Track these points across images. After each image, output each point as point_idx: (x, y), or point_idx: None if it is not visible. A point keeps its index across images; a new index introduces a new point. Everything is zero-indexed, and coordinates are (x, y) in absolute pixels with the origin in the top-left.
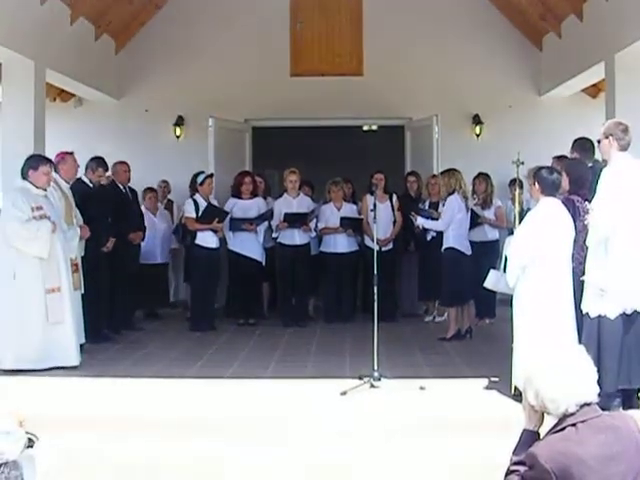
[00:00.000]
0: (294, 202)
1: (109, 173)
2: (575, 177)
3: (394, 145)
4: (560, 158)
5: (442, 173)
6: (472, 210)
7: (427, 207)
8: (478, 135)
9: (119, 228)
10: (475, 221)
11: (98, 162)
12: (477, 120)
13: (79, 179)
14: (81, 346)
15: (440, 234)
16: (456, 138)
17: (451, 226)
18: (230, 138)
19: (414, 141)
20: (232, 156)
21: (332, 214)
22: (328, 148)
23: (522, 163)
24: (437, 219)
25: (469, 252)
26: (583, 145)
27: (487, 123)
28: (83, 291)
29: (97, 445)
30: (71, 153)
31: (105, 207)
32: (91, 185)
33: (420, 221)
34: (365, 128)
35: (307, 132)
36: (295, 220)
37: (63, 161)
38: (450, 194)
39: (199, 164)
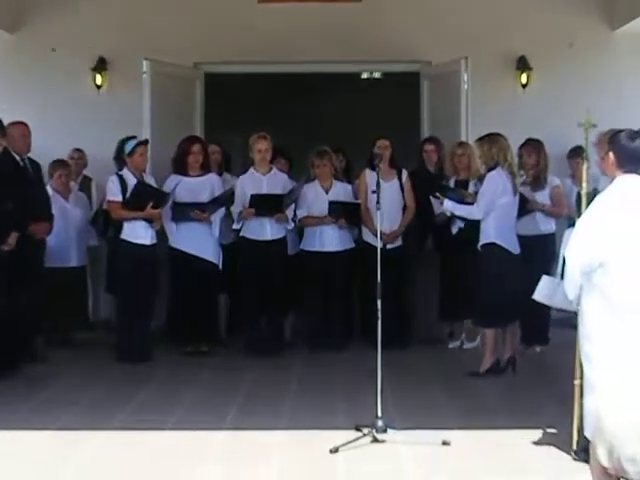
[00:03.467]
0: (264, 180)
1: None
2: None
3: (405, 100)
4: None
5: (481, 140)
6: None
7: (453, 186)
8: (524, 86)
9: (16, 217)
10: (522, 207)
11: None
12: (523, 65)
13: None
14: None
15: (471, 225)
16: (493, 90)
17: (492, 214)
18: (173, 90)
19: (434, 95)
20: (176, 115)
21: (317, 197)
22: (312, 105)
23: (594, 126)
24: (472, 203)
25: (517, 251)
26: None
27: (537, 69)
28: None
29: None
30: None
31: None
32: None
33: (448, 205)
34: (364, 76)
35: (282, 82)
36: (265, 205)
37: None
38: (491, 169)
39: (128, 126)
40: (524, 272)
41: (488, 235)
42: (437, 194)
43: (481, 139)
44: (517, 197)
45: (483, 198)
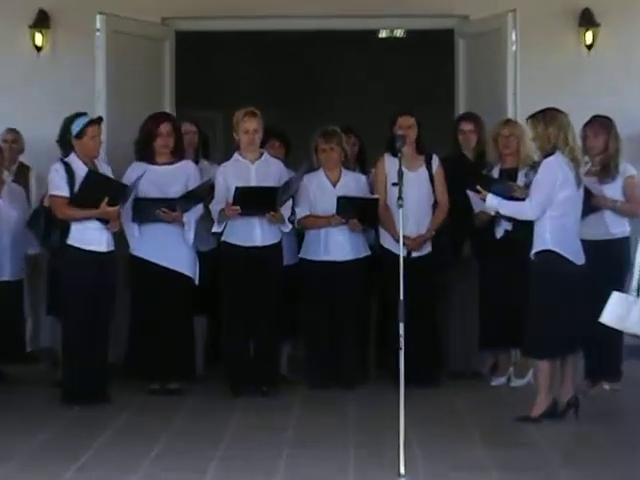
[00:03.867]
0: (252, 169)
1: None
2: None
3: (435, 66)
4: None
5: (534, 117)
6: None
7: (497, 176)
8: (589, 47)
9: None
10: (587, 204)
11: None
12: (588, 20)
13: None
14: None
15: (521, 227)
16: (549, 53)
17: (549, 212)
18: (135, 53)
19: (472, 59)
20: (139, 86)
21: (322, 191)
22: (314, 72)
23: None
24: (522, 199)
25: (580, 260)
26: None
27: (606, 25)
28: None
29: None
30: None
31: None
32: None
33: (492, 202)
34: (383, 35)
35: (275, 43)
36: (255, 202)
37: None
38: (547, 155)
39: (77, 99)
40: (589, 287)
41: (543, 240)
42: (477, 187)
43: (534, 116)
44: (581, 191)
45: (537, 192)
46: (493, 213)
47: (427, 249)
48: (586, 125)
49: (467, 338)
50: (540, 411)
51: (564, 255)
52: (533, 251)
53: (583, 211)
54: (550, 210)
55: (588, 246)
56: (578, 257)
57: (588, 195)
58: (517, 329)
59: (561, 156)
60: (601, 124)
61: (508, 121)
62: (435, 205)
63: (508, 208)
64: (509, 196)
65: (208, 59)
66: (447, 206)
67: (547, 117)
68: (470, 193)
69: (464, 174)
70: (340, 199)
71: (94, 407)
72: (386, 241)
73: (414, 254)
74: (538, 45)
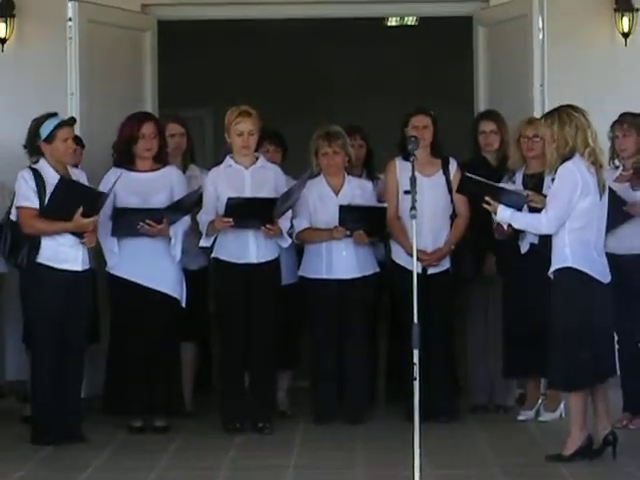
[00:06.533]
0: (247, 175)
1: None
2: None
3: (452, 57)
4: None
5: (549, 116)
6: (611, 190)
7: (520, 183)
8: (626, 35)
9: None
10: (616, 213)
11: None
12: (624, 4)
13: None
14: None
15: (548, 240)
16: (580, 42)
17: (568, 224)
18: (113, 45)
19: (494, 49)
20: (117, 82)
21: (323, 200)
22: (315, 66)
23: None
24: (540, 210)
25: (607, 278)
26: None
27: None
28: None
29: None
30: None
31: None
32: None
33: (504, 215)
34: (392, 23)
35: (271, 33)
36: (249, 213)
37: None
38: (566, 159)
39: (47, 98)
40: (620, 308)
41: (563, 256)
42: (486, 198)
43: (548, 115)
44: (605, 198)
45: (554, 203)
46: (506, 227)
47: (445, 265)
48: (615, 124)
49: (490, 366)
50: (573, 449)
51: (587, 272)
52: (552, 269)
53: (613, 221)
54: (569, 222)
55: (620, 261)
56: (603, 274)
57: (620, 203)
58: (542, 355)
59: (580, 160)
60: (631, 123)
61: (532, 120)
62: (454, 215)
63: (522, 222)
64: (525, 207)
65: (194, 51)
66: (467, 216)
67: (562, 116)
68: (484, 206)
69: (482, 181)
70: (343, 208)
71: (68, 447)
72: (398, 256)
73: (430, 270)
74: (568, 33)
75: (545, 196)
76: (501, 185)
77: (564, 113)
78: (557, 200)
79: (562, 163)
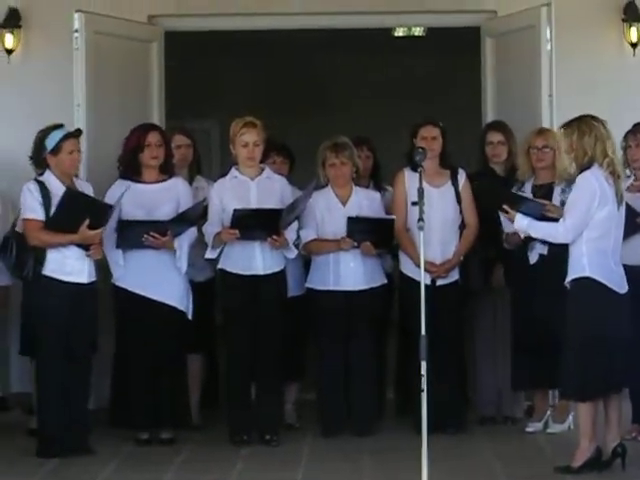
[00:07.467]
0: (252, 187)
1: None
2: None
3: (459, 68)
4: None
5: (568, 126)
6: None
7: (529, 194)
8: (635, 45)
9: None
10: (631, 224)
11: None
12: (632, 14)
13: None
14: None
15: (558, 251)
16: (588, 52)
17: (586, 234)
18: (119, 56)
19: (501, 60)
20: (123, 93)
21: (330, 211)
22: (321, 77)
23: None
24: (556, 219)
25: (623, 288)
26: None
27: None
28: None
29: None
30: None
31: None
32: None
33: (521, 224)
34: (399, 33)
35: (277, 44)
36: (255, 224)
37: None
38: (584, 169)
39: (53, 109)
40: (635, 319)
41: (580, 266)
42: (504, 207)
43: (568, 125)
44: (623, 209)
45: (572, 212)
46: (522, 236)
47: (454, 276)
48: (627, 134)
49: (498, 377)
50: (582, 461)
51: (604, 282)
52: (568, 278)
53: (626, 232)
54: (587, 232)
55: (632, 272)
56: (620, 284)
57: (632, 214)
58: (555, 367)
59: (599, 170)
60: None
61: (542, 130)
62: (462, 226)
63: (539, 230)
64: (542, 217)
65: (201, 63)
66: (476, 227)
67: (582, 126)
68: (501, 214)
69: (493, 192)
70: (351, 219)
71: (74, 459)
72: (407, 267)
73: (439, 282)
74: (576, 43)
75: (559, 208)
76: (520, 193)
77: (584, 123)
78: (575, 209)
79: (580, 172)
